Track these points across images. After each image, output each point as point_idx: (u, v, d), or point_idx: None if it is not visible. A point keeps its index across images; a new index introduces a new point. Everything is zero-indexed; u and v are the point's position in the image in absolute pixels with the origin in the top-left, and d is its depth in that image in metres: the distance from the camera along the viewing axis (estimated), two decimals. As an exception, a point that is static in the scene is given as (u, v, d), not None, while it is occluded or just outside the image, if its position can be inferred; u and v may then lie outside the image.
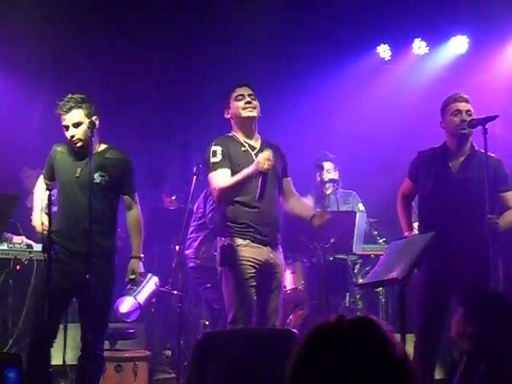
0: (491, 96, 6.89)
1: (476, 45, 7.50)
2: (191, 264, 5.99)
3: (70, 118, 4.38)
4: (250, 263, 4.31)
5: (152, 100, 7.91)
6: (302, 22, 7.59)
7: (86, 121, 4.37)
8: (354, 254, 6.36)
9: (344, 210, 6.49)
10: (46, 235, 4.09)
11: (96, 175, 4.40)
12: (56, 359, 4.67)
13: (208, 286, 5.82)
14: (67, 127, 4.41)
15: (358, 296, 6.57)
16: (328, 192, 6.58)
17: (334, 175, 6.59)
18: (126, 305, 5.57)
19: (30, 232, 5.00)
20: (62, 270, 4.29)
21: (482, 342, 3.26)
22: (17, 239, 5.38)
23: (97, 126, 4.39)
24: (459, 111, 4.57)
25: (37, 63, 7.00)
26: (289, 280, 5.99)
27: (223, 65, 7.70)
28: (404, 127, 7.30)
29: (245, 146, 4.47)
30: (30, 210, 4.79)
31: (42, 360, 4.22)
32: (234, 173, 4.35)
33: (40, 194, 4.48)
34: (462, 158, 4.64)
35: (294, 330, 4.00)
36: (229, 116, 4.55)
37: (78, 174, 4.41)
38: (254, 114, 4.47)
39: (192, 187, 5.36)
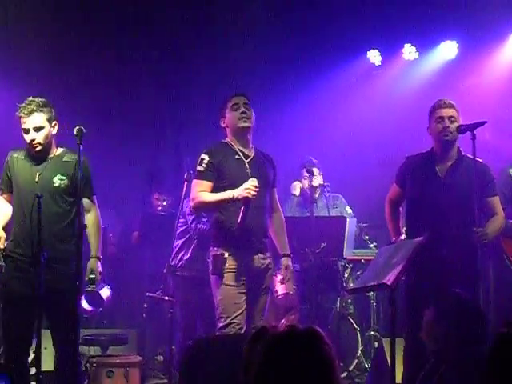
0: (481, 101, 6.93)
1: (465, 50, 7.53)
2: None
3: (31, 122, 4.32)
4: (240, 271, 4.39)
5: (145, 103, 7.89)
6: (291, 27, 7.62)
7: (48, 125, 4.35)
8: (345, 259, 6.39)
9: (334, 215, 6.52)
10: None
11: (55, 179, 4.39)
12: (47, 365, 4.64)
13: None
14: (27, 130, 4.35)
15: (349, 300, 6.59)
16: (316, 195, 6.63)
17: (321, 180, 6.66)
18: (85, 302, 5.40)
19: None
20: (22, 277, 4.30)
21: (446, 345, 3.29)
22: None
23: (56, 131, 4.39)
24: (442, 118, 4.63)
25: (25, 67, 6.92)
26: (280, 285, 5.98)
27: (216, 69, 7.73)
28: (394, 132, 7.31)
29: (239, 155, 4.54)
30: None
31: (18, 369, 4.20)
32: (221, 182, 4.43)
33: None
34: (449, 163, 4.68)
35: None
36: (224, 125, 4.61)
37: (36, 179, 4.38)
38: (248, 124, 4.54)
39: (183, 193, 5.37)
